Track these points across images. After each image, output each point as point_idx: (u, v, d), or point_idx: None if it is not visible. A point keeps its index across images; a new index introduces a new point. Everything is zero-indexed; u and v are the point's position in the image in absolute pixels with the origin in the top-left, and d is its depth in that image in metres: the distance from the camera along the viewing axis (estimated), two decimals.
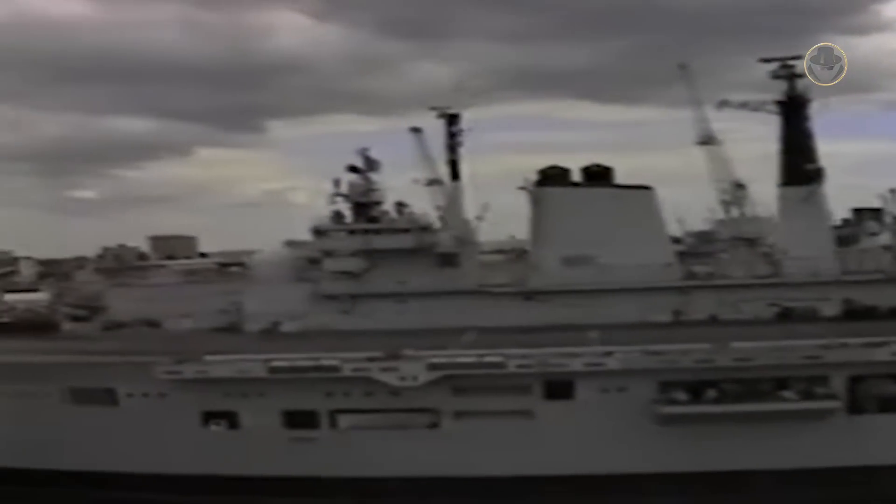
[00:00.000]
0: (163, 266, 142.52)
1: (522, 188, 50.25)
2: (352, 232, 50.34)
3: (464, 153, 53.07)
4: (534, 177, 50.81)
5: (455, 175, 51.80)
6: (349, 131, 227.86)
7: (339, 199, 50.60)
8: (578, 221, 49.60)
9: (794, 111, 50.41)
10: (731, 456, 41.12)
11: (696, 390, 41.13)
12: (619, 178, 51.60)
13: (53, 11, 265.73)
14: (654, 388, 41.25)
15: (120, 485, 43.38)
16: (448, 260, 50.37)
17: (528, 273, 50.19)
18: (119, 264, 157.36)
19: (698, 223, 65.92)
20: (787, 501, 40.49)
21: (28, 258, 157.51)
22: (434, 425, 42.37)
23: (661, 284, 48.96)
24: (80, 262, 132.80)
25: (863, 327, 43.94)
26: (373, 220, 50.56)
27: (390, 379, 41.23)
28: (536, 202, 50.50)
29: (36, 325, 53.97)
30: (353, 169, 50.71)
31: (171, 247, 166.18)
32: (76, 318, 78.90)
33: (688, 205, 75.89)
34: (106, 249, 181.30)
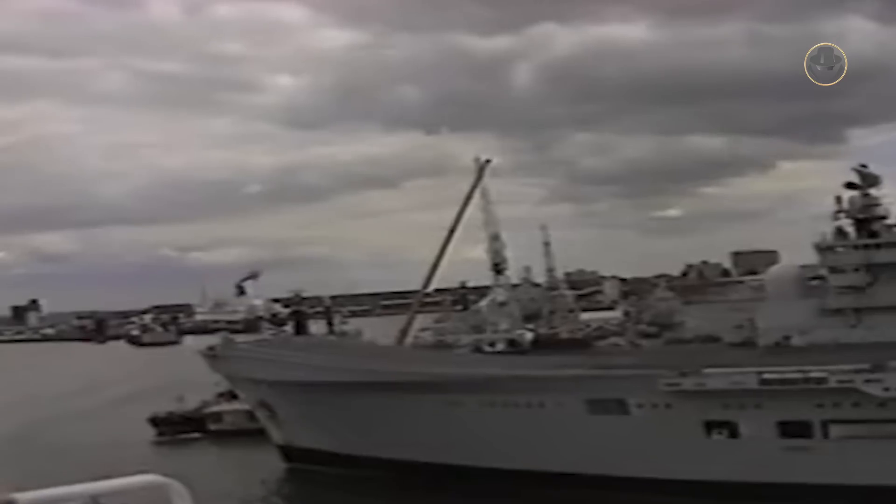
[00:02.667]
0: (740, 282, 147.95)
1: None
2: (854, 247, 53.79)
3: None
4: None
5: None
6: None
7: (840, 215, 54.31)
8: None
9: None
10: None
11: None
12: None
13: (622, 38, 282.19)
14: None
15: (623, 488, 49.85)
16: None
17: None
18: (701, 281, 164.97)
19: None
20: None
21: (612, 277, 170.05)
22: None
23: None
24: (663, 280, 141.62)
25: None
26: (873, 234, 53.70)
27: (874, 390, 44.46)
28: None
29: (577, 342, 62.32)
30: (850, 185, 54.20)
31: (753, 262, 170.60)
32: (647, 335, 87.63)
33: None
34: (689, 267, 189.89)
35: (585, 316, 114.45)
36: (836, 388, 45.21)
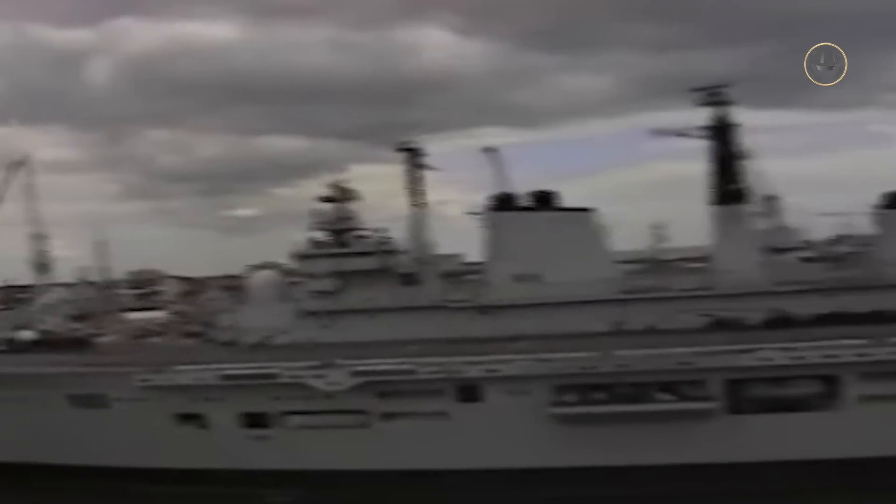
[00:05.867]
0: None
1: (472, 213, 60.59)
2: (327, 256, 61.42)
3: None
4: (485, 203, 60.97)
5: (417, 202, 62.43)
6: (498, 144, 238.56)
7: (317, 226, 61.99)
8: (526, 242, 59.33)
9: (720, 136, 58.96)
10: (620, 452, 50.21)
11: (589, 392, 50.89)
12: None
13: (205, 36, 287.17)
14: (550, 392, 51.03)
15: (110, 476, 55.17)
16: (409, 279, 60.96)
17: (483, 289, 60.30)
18: None
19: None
20: (669, 494, 48.46)
21: (173, 277, 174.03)
22: (365, 425, 52.85)
23: (600, 298, 58.10)
24: (219, 281, 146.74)
25: (779, 334, 52.39)
26: (345, 244, 61.72)
27: (319, 384, 52.05)
28: (489, 225, 60.55)
29: (73, 342, 66.80)
30: (326, 199, 61.98)
31: None
32: (194, 335, 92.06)
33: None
34: (251, 267, 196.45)
35: (134, 316, 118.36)
36: (289, 383, 52.46)
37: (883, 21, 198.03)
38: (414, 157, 62.56)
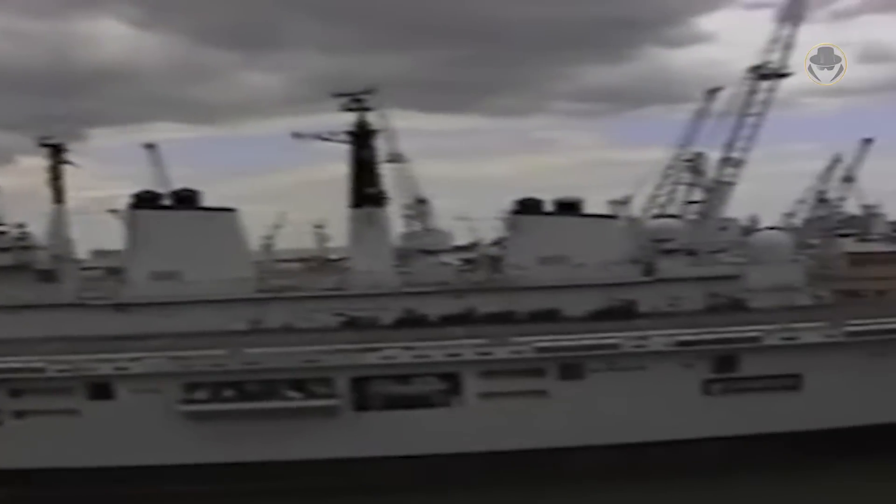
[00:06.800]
0: None
1: (113, 211, 61.29)
2: None
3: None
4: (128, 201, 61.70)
5: (59, 199, 62.68)
6: (173, 139, 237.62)
7: None
8: (166, 240, 60.41)
9: (360, 141, 61.75)
10: (250, 448, 51.69)
11: (220, 390, 52.30)
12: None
13: None
14: (181, 389, 52.17)
15: None
16: (47, 275, 60.94)
17: (121, 287, 60.96)
18: None
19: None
20: (295, 488, 50.48)
21: None
22: None
23: (237, 297, 59.84)
24: None
25: (407, 334, 55.09)
26: None
27: None
28: (130, 223, 61.26)
29: None
30: None
31: None
32: None
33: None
34: None
35: None
36: None
37: (556, 31, 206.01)
38: (56, 153, 62.40)
